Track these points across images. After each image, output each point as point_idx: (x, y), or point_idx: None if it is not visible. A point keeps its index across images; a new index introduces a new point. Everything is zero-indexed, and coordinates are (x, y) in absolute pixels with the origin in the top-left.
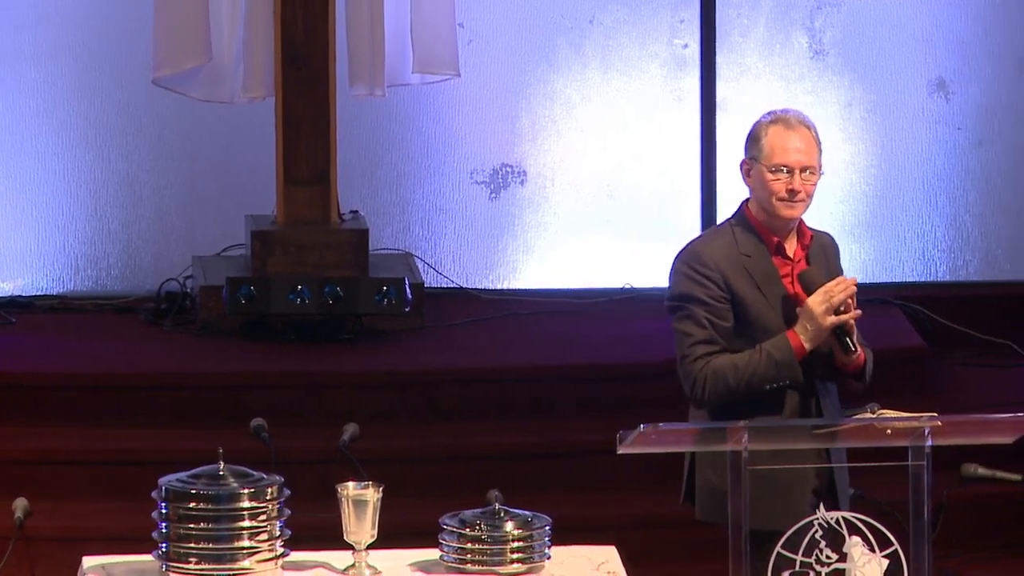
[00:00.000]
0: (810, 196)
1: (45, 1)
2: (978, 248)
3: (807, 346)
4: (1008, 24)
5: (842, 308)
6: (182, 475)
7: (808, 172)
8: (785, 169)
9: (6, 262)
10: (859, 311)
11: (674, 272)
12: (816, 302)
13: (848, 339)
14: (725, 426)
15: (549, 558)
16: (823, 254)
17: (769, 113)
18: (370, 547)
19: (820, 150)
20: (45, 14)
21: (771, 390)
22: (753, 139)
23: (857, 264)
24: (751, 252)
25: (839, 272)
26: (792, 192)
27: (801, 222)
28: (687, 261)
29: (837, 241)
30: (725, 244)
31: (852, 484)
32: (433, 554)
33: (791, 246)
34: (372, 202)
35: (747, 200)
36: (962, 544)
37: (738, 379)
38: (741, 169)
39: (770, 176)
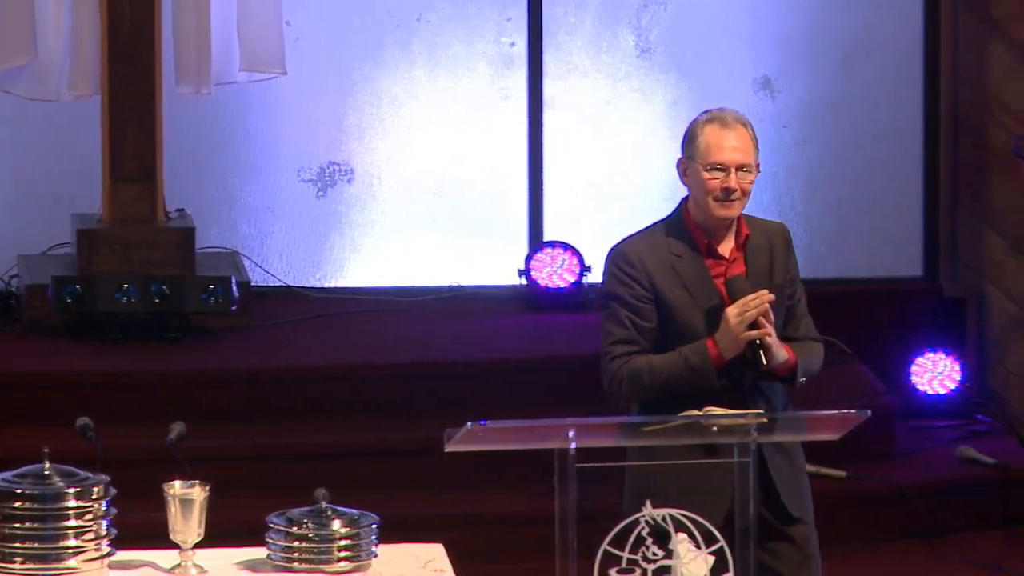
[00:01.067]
0: (747, 194)
1: None
2: (803, 246)
3: (724, 355)
4: (832, 22)
5: (758, 322)
6: (7, 475)
7: (744, 170)
8: (720, 167)
9: None
10: (769, 329)
11: (604, 270)
12: (733, 314)
13: (760, 353)
14: (552, 424)
15: (376, 556)
16: (768, 248)
17: (705, 112)
18: (197, 546)
19: (757, 148)
20: None
21: (696, 393)
22: (689, 138)
23: None
24: (682, 253)
25: (787, 266)
26: (727, 191)
27: (740, 220)
28: (615, 260)
29: (790, 231)
30: (655, 244)
31: None
32: (260, 553)
33: (726, 246)
34: (199, 200)
35: (685, 199)
36: None
37: (653, 381)
38: (678, 168)
39: (706, 175)
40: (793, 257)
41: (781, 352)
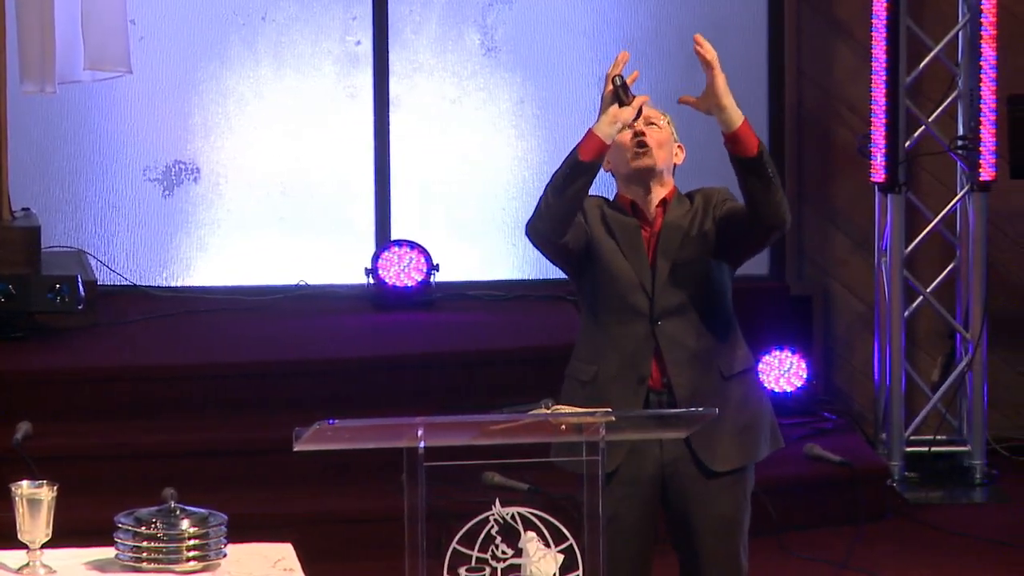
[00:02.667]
0: (661, 146)
1: None
2: None
3: (598, 132)
4: (676, 22)
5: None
6: None
7: (651, 123)
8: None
9: None
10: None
11: None
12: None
13: (622, 90)
14: (401, 422)
15: (225, 556)
16: (698, 206)
17: None
18: (45, 546)
19: (666, 117)
20: None
21: (606, 337)
22: None
23: (530, 260)
24: (615, 214)
25: (712, 211)
26: (640, 140)
27: (667, 187)
28: None
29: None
30: (595, 202)
31: (527, 480)
32: (109, 553)
33: (649, 207)
34: (44, 199)
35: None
36: None
37: (550, 185)
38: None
39: (619, 139)
40: (721, 196)
41: (729, 96)
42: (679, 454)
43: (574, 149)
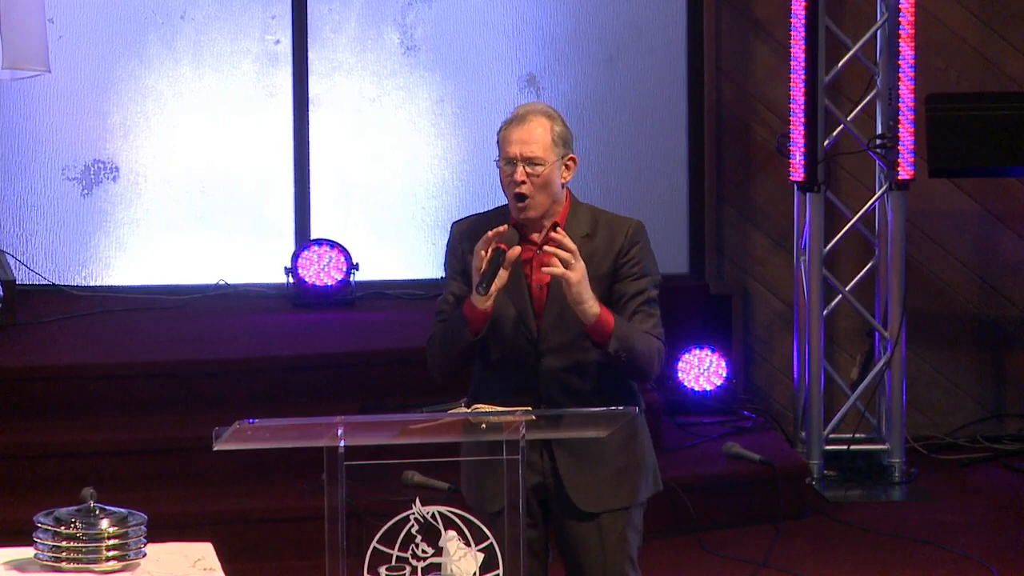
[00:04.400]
0: (542, 188)
1: None
2: None
3: (480, 306)
4: (596, 21)
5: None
6: None
7: (533, 163)
8: (508, 160)
9: None
10: (515, 250)
11: None
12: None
13: (501, 260)
14: (320, 422)
15: (145, 555)
16: (602, 240)
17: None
18: None
19: (561, 142)
20: None
21: (495, 374)
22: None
23: None
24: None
25: (615, 258)
26: (515, 183)
27: (564, 210)
28: (449, 233)
29: (636, 238)
30: (481, 225)
31: (447, 479)
32: (28, 552)
33: (538, 234)
34: None
35: None
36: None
37: (435, 340)
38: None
39: (501, 171)
40: (636, 252)
41: (584, 289)
42: (555, 494)
43: (461, 323)
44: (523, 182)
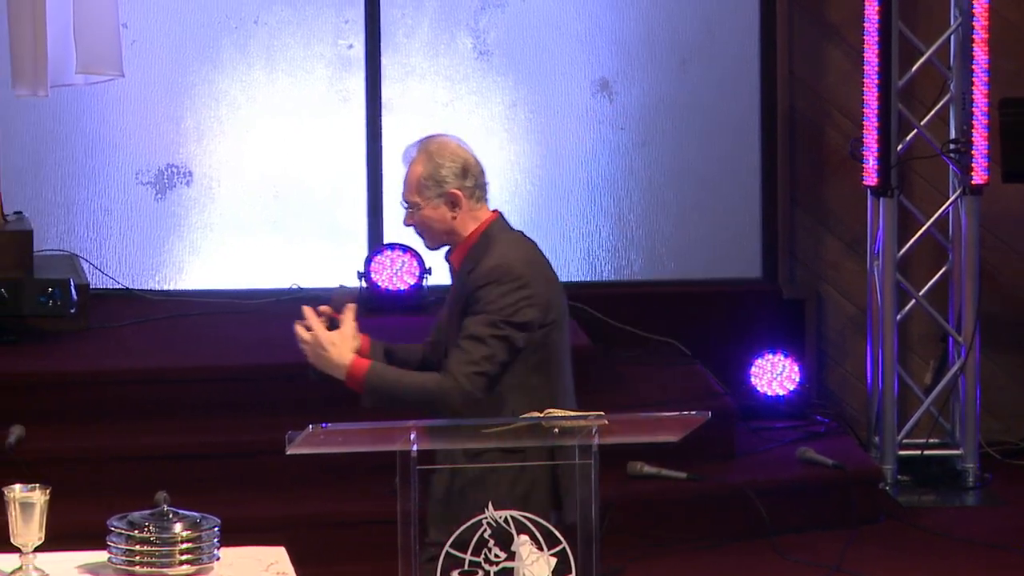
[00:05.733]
0: (425, 228)
1: None
2: (642, 247)
3: (344, 375)
4: (670, 25)
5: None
6: None
7: (409, 207)
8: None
9: None
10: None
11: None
12: None
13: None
14: (393, 426)
15: (219, 559)
16: (471, 278)
17: None
18: (38, 549)
19: (428, 183)
20: None
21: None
22: None
23: None
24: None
25: (467, 298)
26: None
27: (466, 247)
28: None
29: (489, 278)
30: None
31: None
32: (102, 556)
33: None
34: (37, 203)
35: None
36: (629, 541)
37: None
38: None
39: None
40: (481, 294)
41: (323, 359)
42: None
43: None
44: (410, 224)
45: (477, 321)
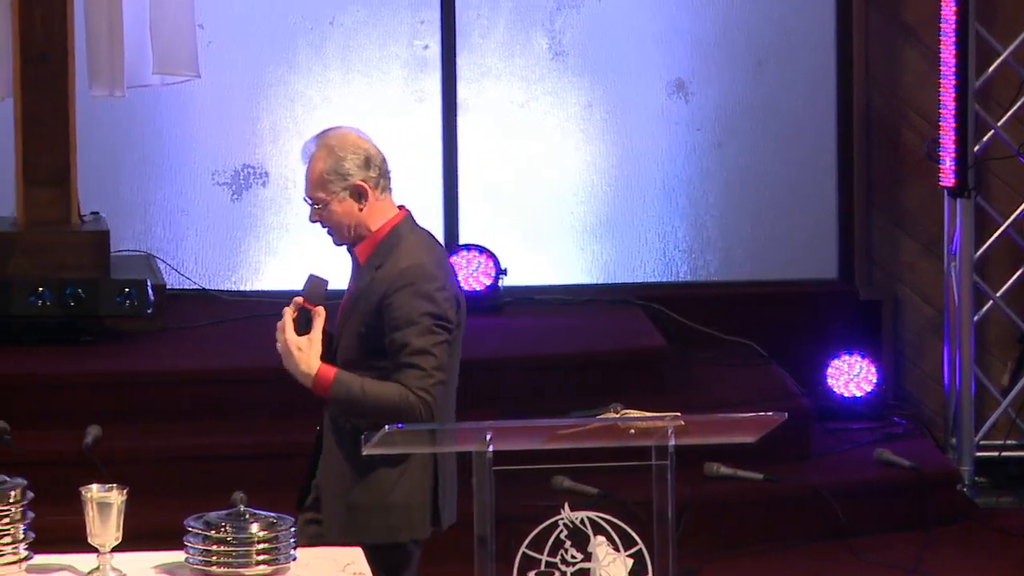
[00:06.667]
0: (333, 224)
1: None
2: (718, 248)
3: (310, 382)
4: (746, 25)
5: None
6: None
7: (314, 204)
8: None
9: None
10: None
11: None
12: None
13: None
14: (469, 427)
15: (295, 559)
16: (381, 279)
17: None
18: (115, 549)
19: (331, 177)
20: None
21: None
22: None
23: (599, 264)
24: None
25: (380, 302)
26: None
27: (372, 244)
28: None
29: (406, 279)
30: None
31: (597, 484)
32: (178, 556)
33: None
34: (113, 203)
35: None
36: (705, 542)
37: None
38: None
39: None
40: (398, 299)
41: (291, 364)
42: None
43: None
44: (315, 221)
45: (412, 333)
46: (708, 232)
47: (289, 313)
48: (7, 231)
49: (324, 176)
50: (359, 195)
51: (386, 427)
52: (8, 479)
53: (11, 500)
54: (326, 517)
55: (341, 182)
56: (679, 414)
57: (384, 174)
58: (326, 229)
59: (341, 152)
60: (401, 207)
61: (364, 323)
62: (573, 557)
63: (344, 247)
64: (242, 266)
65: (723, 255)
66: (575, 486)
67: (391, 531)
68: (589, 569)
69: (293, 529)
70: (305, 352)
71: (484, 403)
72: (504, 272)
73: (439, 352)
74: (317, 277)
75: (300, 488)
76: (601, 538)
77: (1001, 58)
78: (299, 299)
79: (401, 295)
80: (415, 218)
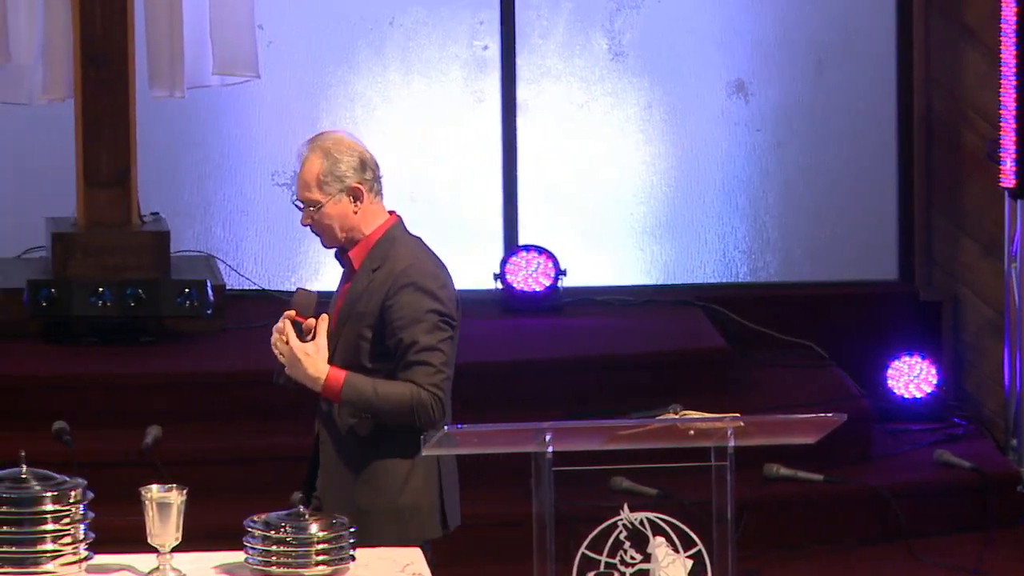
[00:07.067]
0: (325, 227)
1: None
2: (778, 249)
3: (318, 386)
4: (806, 25)
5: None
6: None
7: (308, 205)
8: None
9: None
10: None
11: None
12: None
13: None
14: (529, 427)
15: (354, 560)
16: (381, 280)
17: None
18: (174, 550)
19: (327, 179)
20: None
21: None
22: None
23: (658, 265)
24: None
25: (381, 302)
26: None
27: (364, 248)
28: None
29: (409, 278)
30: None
31: (656, 485)
32: (238, 556)
33: (351, 268)
34: (173, 204)
35: None
36: (765, 543)
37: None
38: None
39: None
40: (401, 299)
41: (299, 370)
42: None
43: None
44: (307, 224)
45: (420, 331)
46: (768, 233)
47: (288, 324)
48: (68, 232)
49: (320, 177)
50: (355, 197)
51: (444, 427)
52: (68, 479)
53: (71, 500)
54: (331, 503)
55: (337, 184)
56: (739, 415)
57: (377, 178)
58: (318, 233)
59: (337, 154)
60: (392, 212)
61: (366, 326)
62: (632, 558)
63: (334, 253)
64: (302, 266)
65: (783, 256)
66: (634, 487)
67: (403, 534)
68: (648, 570)
69: (353, 530)
70: (313, 357)
71: (543, 404)
72: (563, 273)
73: (446, 348)
74: (305, 290)
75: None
76: (660, 539)
77: None
78: (291, 313)
79: (404, 295)
80: (404, 223)
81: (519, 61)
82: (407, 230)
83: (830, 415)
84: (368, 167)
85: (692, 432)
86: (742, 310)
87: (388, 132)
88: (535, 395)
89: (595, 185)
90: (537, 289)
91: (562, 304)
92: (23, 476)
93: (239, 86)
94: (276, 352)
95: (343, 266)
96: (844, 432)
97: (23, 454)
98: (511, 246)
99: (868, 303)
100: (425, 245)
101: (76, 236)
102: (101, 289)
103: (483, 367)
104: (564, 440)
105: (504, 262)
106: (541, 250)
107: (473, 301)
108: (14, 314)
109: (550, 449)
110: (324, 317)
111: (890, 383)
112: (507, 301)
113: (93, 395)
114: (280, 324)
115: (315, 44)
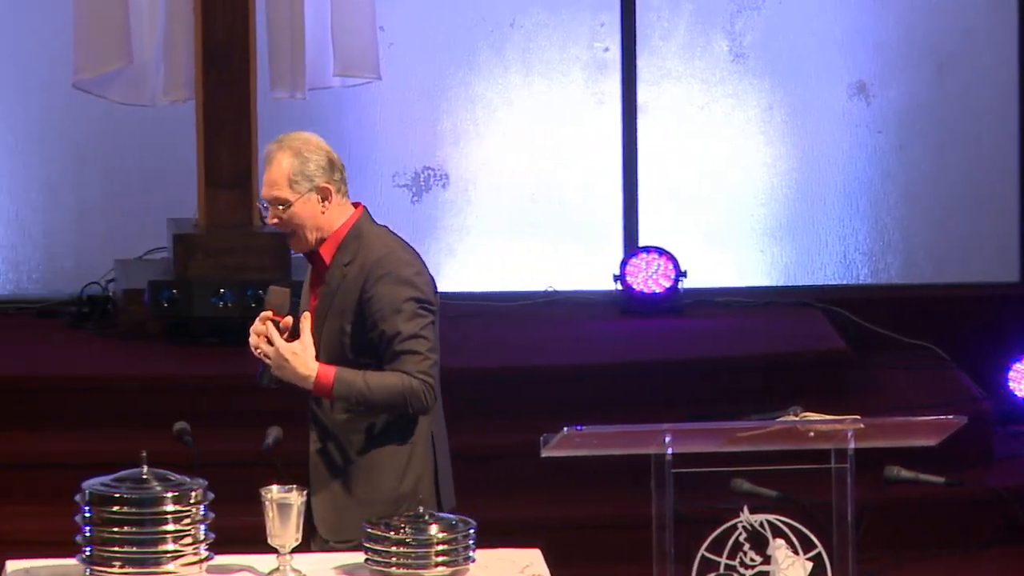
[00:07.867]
0: (295, 225)
1: None
2: (899, 251)
3: (311, 384)
4: (928, 27)
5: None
6: (105, 479)
7: (278, 205)
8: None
9: None
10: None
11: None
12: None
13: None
14: (648, 429)
15: (474, 561)
16: (354, 276)
17: None
18: (294, 551)
19: (297, 178)
20: None
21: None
22: None
23: (779, 267)
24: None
25: (359, 297)
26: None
27: (332, 246)
28: None
29: (385, 268)
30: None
31: (776, 487)
32: (358, 557)
33: (321, 268)
34: None
35: None
36: (885, 546)
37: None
38: None
39: None
40: (379, 290)
41: (288, 370)
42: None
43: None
44: (275, 223)
45: (400, 320)
46: (889, 234)
47: (270, 325)
48: (189, 233)
49: (291, 176)
50: (323, 197)
51: (564, 429)
52: (189, 480)
53: (192, 501)
54: (335, 521)
55: (307, 183)
56: (859, 417)
57: (343, 179)
58: (287, 234)
59: (307, 153)
60: (357, 204)
61: (347, 321)
62: (752, 560)
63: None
64: None
65: (904, 257)
66: (755, 489)
67: None
68: (768, 572)
69: (472, 531)
70: (301, 356)
71: (663, 405)
72: (684, 274)
73: (429, 334)
74: (278, 287)
75: None
76: (780, 541)
77: None
78: (267, 313)
79: (381, 286)
80: (372, 215)
81: (640, 63)
82: (374, 220)
83: (951, 417)
84: (336, 168)
85: (812, 434)
86: (862, 312)
87: (509, 134)
88: (654, 397)
89: (716, 187)
90: (657, 290)
91: (682, 305)
92: (144, 476)
93: (360, 87)
94: (258, 354)
95: (313, 264)
96: (965, 434)
97: (144, 454)
98: (631, 247)
99: (989, 305)
100: (394, 233)
101: (197, 237)
102: (222, 290)
103: (603, 368)
104: (683, 442)
105: (624, 263)
106: (661, 251)
107: (593, 302)
108: (136, 315)
109: (670, 451)
110: (307, 315)
111: (1011, 385)
112: (627, 302)
113: (214, 395)
114: (258, 326)
115: (436, 46)
